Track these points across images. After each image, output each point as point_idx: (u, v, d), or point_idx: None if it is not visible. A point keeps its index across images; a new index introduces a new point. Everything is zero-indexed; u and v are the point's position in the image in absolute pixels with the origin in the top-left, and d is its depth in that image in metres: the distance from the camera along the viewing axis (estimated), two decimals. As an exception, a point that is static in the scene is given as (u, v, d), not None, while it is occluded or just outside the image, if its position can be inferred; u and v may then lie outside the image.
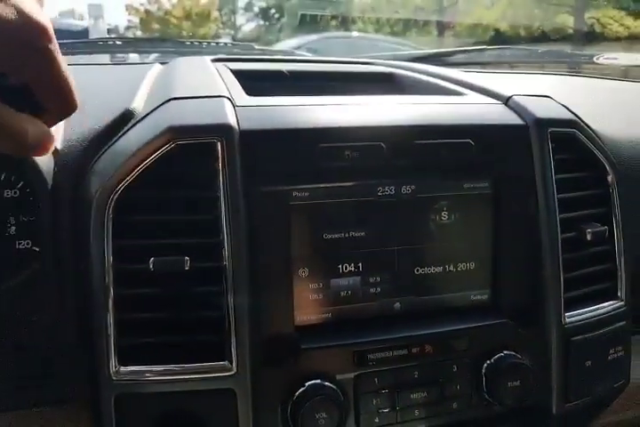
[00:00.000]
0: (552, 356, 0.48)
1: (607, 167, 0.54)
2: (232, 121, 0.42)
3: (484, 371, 0.46)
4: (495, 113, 0.52)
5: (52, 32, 0.29)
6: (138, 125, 0.44)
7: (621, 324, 0.52)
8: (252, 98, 0.48)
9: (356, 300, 0.45)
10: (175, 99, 0.45)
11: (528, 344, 0.47)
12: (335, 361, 0.42)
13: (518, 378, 0.45)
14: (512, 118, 0.51)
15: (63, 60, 0.31)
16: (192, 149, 0.41)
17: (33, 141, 0.31)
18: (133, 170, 0.40)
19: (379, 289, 0.46)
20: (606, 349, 0.51)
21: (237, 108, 0.44)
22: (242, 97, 0.48)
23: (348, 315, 0.45)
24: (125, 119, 0.46)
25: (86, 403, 0.43)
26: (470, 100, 0.55)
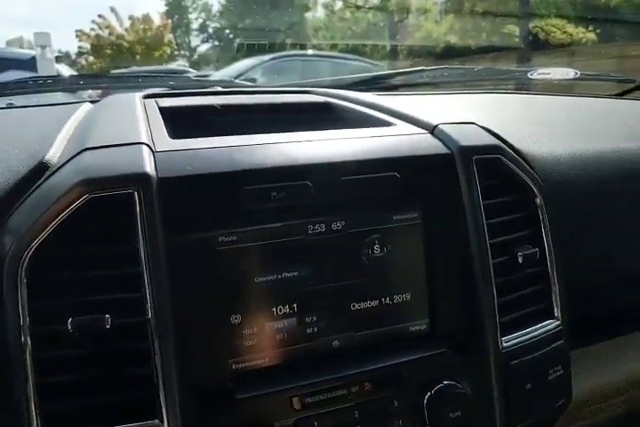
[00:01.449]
0: (492, 382, 0.48)
1: (534, 190, 0.55)
2: (149, 169, 0.41)
3: (425, 403, 0.46)
4: (421, 143, 0.53)
5: None
6: (52, 178, 0.43)
7: (559, 343, 0.53)
8: (174, 141, 0.47)
9: (293, 342, 0.45)
10: (90, 149, 0.44)
11: (468, 372, 0.48)
12: (273, 408, 0.41)
13: (459, 408, 0.45)
14: (437, 148, 0.52)
15: None
16: (109, 201, 0.40)
17: None
18: (47, 225, 0.38)
19: (315, 329, 0.45)
20: (546, 369, 0.52)
21: (157, 153, 0.44)
22: (163, 141, 0.47)
23: (286, 358, 0.44)
24: (40, 171, 0.44)
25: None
26: (398, 131, 0.56)
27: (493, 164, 0.54)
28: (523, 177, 0.55)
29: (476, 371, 0.48)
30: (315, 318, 0.45)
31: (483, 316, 0.49)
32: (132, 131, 0.48)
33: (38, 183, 0.43)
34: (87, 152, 0.43)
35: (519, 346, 0.50)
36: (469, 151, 0.52)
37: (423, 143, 0.53)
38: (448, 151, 0.52)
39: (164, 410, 0.38)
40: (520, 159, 0.57)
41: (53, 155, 0.46)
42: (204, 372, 0.40)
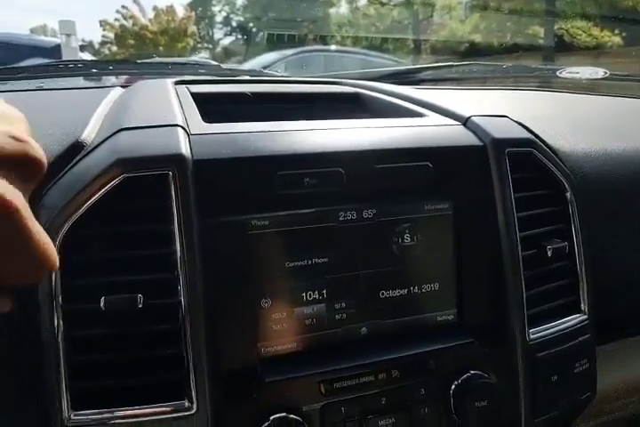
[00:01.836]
0: (518, 373, 0.48)
1: (565, 184, 0.55)
2: (185, 151, 0.42)
3: (451, 392, 0.46)
4: (454, 134, 0.53)
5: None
6: (87, 158, 0.43)
7: (585, 337, 0.52)
8: (209, 125, 0.47)
9: (321, 327, 0.45)
10: (125, 129, 0.44)
11: (494, 363, 0.48)
12: (301, 392, 0.42)
13: (486, 398, 0.45)
14: (470, 139, 0.52)
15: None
16: (143, 182, 0.40)
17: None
18: (82, 205, 0.39)
19: (344, 315, 0.46)
20: (572, 362, 0.51)
21: (192, 136, 0.44)
22: (198, 124, 0.47)
23: (314, 343, 0.44)
24: (75, 151, 0.44)
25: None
26: (430, 121, 0.56)
27: (526, 157, 0.53)
28: (554, 171, 0.55)
29: (503, 362, 0.48)
30: (344, 305, 0.46)
31: (511, 308, 0.48)
32: (166, 113, 0.48)
33: (73, 163, 0.43)
34: (123, 132, 0.44)
35: (546, 339, 0.50)
36: (502, 144, 0.51)
37: (456, 135, 0.53)
38: (481, 143, 0.51)
39: (193, 392, 0.38)
40: (552, 154, 0.57)
41: (88, 135, 0.46)
42: (233, 355, 0.41)
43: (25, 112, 0.31)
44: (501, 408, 0.46)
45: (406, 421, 0.44)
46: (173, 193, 0.40)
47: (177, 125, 0.45)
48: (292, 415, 0.40)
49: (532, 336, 0.49)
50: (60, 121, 0.50)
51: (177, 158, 0.41)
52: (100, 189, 0.39)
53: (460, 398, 0.45)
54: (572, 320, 0.52)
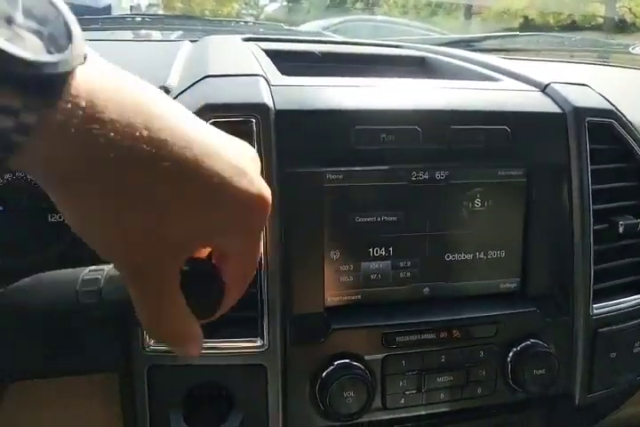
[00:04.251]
0: (578, 346, 0.48)
1: (643, 159, 0.53)
2: (267, 100, 0.42)
3: (509, 358, 0.46)
4: (532, 100, 0.51)
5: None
6: None
7: (649, 317, 0.51)
8: (287, 78, 0.47)
9: (385, 283, 0.45)
10: (211, 76, 0.45)
11: (555, 334, 0.47)
12: (364, 342, 0.43)
13: (544, 366, 0.45)
14: (549, 106, 0.50)
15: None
16: (226, 128, 0.40)
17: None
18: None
19: (408, 274, 0.46)
20: (632, 342, 0.51)
21: (273, 87, 0.44)
22: (277, 76, 0.47)
23: (378, 298, 0.45)
24: None
25: (115, 375, 0.44)
26: (507, 86, 0.54)
27: (606, 128, 0.51)
28: (633, 145, 0.53)
29: (564, 334, 0.48)
30: (408, 264, 0.46)
31: (577, 280, 0.48)
32: (247, 64, 0.48)
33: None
34: (209, 79, 0.44)
35: (609, 315, 0.49)
36: (583, 113, 0.50)
37: (535, 101, 0.51)
38: (560, 111, 0.50)
39: (265, 330, 0.40)
40: (632, 127, 0.54)
41: (172, 81, 0.47)
42: (303, 300, 0.42)
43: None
44: (557, 379, 0.46)
45: (463, 380, 0.45)
46: (255, 140, 0.40)
47: (259, 75, 0.45)
48: (355, 363, 0.41)
49: (595, 311, 0.48)
50: (142, 68, 0.51)
51: (261, 107, 0.41)
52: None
53: (518, 364, 0.45)
54: (637, 299, 0.51)
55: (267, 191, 0.26)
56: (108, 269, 0.22)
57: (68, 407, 0.46)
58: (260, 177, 0.27)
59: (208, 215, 0.24)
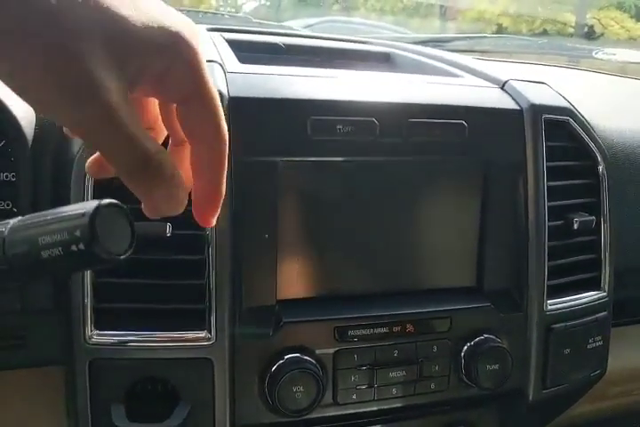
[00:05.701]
0: (532, 342, 0.48)
1: (598, 157, 0.53)
2: (221, 86, 0.41)
3: (463, 353, 0.46)
4: (491, 96, 0.51)
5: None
6: None
7: (602, 314, 0.52)
8: (245, 65, 0.46)
9: (338, 278, 0.45)
10: None
11: (509, 329, 0.47)
12: (316, 336, 0.42)
13: (497, 362, 0.45)
14: (507, 102, 0.50)
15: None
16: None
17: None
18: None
19: (363, 267, 0.45)
20: (586, 338, 0.51)
21: (228, 74, 0.43)
22: (234, 64, 0.46)
23: (332, 292, 0.44)
24: None
25: (61, 368, 0.42)
26: (466, 82, 0.54)
27: (562, 126, 0.52)
28: (589, 143, 0.53)
29: (518, 329, 0.48)
30: (363, 258, 0.45)
31: (531, 276, 0.48)
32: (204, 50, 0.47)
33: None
34: None
35: (563, 311, 0.49)
36: (539, 110, 0.50)
37: (493, 97, 0.51)
38: (517, 107, 0.50)
39: (213, 322, 0.39)
40: (588, 125, 0.55)
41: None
42: (253, 293, 0.41)
43: None
44: (511, 375, 0.46)
45: (416, 375, 0.44)
46: (206, 127, 0.39)
47: (214, 61, 0.44)
48: (305, 357, 0.40)
49: (549, 307, 0.49)
50: None
51: (213, 93, 0.40)
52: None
53: (472, 359, 0.45)
54: (592, 296, 0.52)
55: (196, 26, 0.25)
56: (12, 222, 0.20)
57: (8, 404, 0.44)
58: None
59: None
